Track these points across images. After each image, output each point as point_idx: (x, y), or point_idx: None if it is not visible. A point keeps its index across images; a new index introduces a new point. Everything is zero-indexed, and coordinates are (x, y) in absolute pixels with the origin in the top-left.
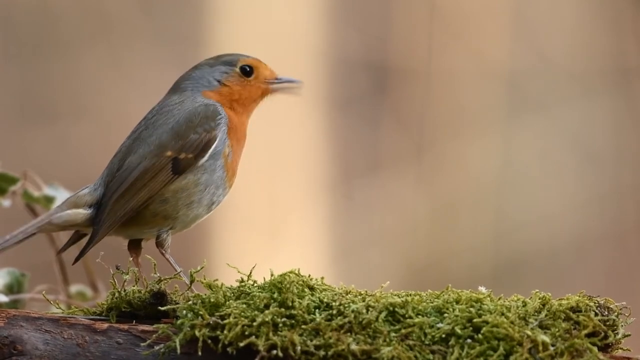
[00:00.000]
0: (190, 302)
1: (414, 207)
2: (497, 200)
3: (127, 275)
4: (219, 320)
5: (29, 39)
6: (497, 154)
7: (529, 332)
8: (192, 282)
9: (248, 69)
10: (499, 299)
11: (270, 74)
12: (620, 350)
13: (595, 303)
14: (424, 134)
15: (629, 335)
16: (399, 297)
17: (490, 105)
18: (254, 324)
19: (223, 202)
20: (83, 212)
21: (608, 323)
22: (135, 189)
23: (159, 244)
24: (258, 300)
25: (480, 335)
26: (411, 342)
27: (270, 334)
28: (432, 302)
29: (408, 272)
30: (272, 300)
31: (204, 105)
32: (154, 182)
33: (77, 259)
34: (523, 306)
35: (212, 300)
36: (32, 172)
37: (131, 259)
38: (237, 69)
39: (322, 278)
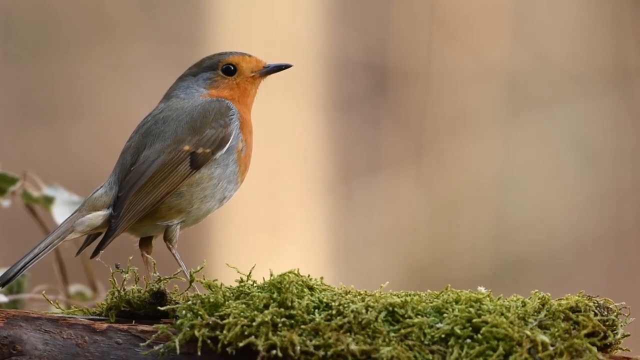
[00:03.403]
0: (189, 302)
1: (414, 207)
2: (497, 200)
3: (127, 275)
4: (219, 320)
5: (29, 39)
6: (497, 154)
7: (529, 332)
8: (192, 281)
9: (232, 68)
10: (499, 299)
11: (256, 65)
12: (619, 351)
13: (594, 303)
14: (424, 134)
15: (629, 335)
16: (399, 297)
17: (490, 105)
18: (254, 324)
19: (233, 197)
20: (103, 214)
21: (607, 323)
22: (154, 182)
23: (167, 239)
24: (257, 300)
25: (479, 335)
26: (410, 342)
27: (270, 334)
28: (431, 302)
29: (408, 272)
30: (271, 300)
31: (217, 101)
32: (172, 176)
33: (94, 253)
34: (522, 306)
35: (211, 300)
36: (32, 173)
37: (131, 258)
38: (220, 72)
39: (322, 278)
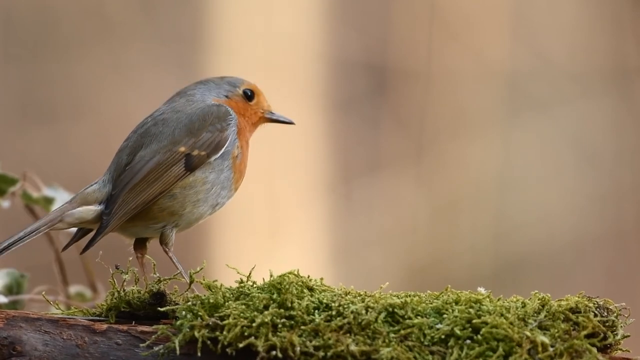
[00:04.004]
0: (189, 303)
1: (414, 207)
2: (497, 200)
3: (127, 275)
4: (218, 321)
5: (29, 39)
6: (497, 154)
7: (528, 333)
8: (191, 282)
9: (249, 93)
10: (498, 299)
11: (267, 106)
12: (619, 351)
13: (594, 304)
14: (424, 134)
15: (629, 336)
16: (398, 298)
17: (490, 105)
18: (254, 324)
19: (226, 204)
20: (94, 209)
21: (607, 324)
22: (148, 181)
23: (163, 242)
24: (257, 301)
25: (479, 336)
26: (410, 343)
27: (270, 335)
28: (431, 303)
29: (408, 273)
30: (271, 301)
31: (217, 105)
32: (166, 177)
33: (85, 249)
34: (522, 307)
35: (211, 301)
36: (32, 173)
37: (130, 259)
38: (240, 91)
39: (322, 279)
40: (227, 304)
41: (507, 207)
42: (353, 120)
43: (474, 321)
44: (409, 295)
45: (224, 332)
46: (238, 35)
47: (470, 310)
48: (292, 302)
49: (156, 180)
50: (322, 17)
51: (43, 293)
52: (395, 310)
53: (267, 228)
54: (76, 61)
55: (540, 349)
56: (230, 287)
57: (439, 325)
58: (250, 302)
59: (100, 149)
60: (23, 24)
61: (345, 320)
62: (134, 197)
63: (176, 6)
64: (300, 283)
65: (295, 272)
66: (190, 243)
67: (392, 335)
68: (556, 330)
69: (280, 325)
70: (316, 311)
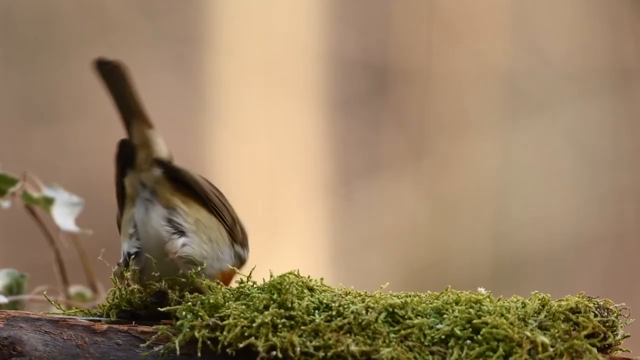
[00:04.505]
0: (189, 303)
1: (413, 208)
2: (497, 201)
3: (129, 273)
4: (219, 322)
5: (29, 39)
6: (497, 155)
7: (529, 333)
8: (191, 282)
9: None
10: (499, 300)
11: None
12: (619, 352)
13: (594, 304)
14: (424, 135)
15: (629, 336)
16: (399, 298)
17: (490, 105)
18: (254, 325)
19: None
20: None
21: (607, 324)
22: None
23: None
24: (257, 301)
25: (479, 336)
26: (410, 343)
27: (270, 335)
28: (431, 303)
29: (408, 273)
30: (271, 301)
31: None
32: None
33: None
34: (522, 307)
35: (211, 301)
36: (32, 173)
37: (133, 257)
38: None
39: (322, 279)
40: (227, 304)
41: (507, 207)
42: (353, 120)
43: (474, 321)
44: (409, 296)
45: (224, 333)
46: (238, 35)
47: (471, 310)
48: (292, 303)
49: None
50: (322, 17)
51: (44, 293)
52: (396, 310)
53: (267, 228)
54: (77, 61)
55: (540, 349)
56: (230, 287)
57: (439, 326)
58: (251, 303)
59: (100, 149)
60: (23, 24)
61: (346, 321)
62: None
63: (176, 6)
64: (300, 283)
65: (296, 273)
66: None
67: (392, 335)
68: (556, 331)
69: (280, 326)
70: (316, 311)
